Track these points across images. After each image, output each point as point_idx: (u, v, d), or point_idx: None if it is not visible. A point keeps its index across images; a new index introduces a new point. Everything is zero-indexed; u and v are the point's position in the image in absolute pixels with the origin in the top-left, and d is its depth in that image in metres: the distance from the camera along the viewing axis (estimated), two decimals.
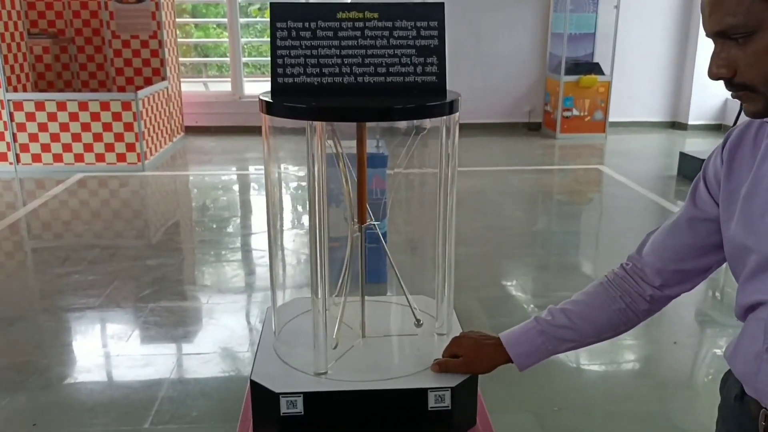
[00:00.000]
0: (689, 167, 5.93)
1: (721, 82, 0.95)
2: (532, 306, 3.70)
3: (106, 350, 3.20)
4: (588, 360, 3.16)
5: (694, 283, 1.18)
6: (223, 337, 3.27)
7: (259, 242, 4.69)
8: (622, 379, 3.05)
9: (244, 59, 8.56)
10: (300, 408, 1.17)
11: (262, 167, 1.35)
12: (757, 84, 0.90)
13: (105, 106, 6.29)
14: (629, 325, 1.22)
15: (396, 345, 1.39)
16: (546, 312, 1.24)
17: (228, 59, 8.58)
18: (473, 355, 1.23)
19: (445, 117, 1.20)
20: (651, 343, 3.35)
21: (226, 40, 8.62)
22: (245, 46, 8.69)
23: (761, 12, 0.86)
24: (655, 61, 8.50)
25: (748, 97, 0.92)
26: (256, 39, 9.14)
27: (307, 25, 1.18)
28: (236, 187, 6.51)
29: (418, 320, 1.36)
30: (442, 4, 1.21)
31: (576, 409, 2.74)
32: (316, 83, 1.18)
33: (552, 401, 2.76)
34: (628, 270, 1.22)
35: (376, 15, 1.19)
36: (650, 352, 3.28)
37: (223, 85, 8.81)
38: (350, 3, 1.20)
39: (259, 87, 7.94)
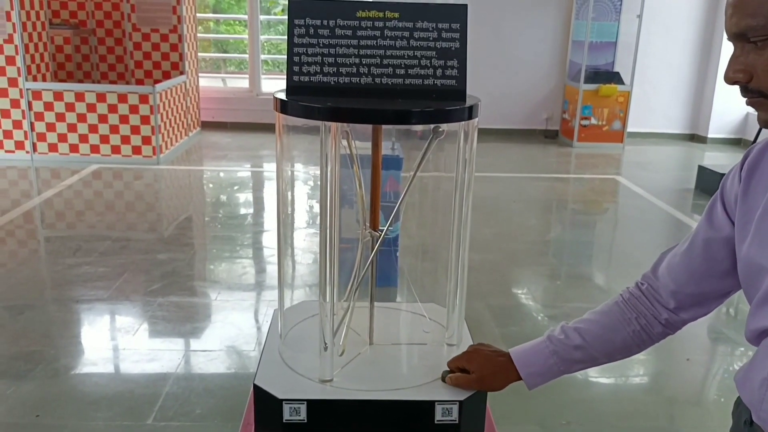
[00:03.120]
0: (707, 181, 5.84)
1: (740, 95, 0.92)
2: (542, 315, 3.65)
3: (113, 343, 3.19)
4: (598, 374, 3.11)
5: (710, 308, 1.14)
6: (231, 334, 3.25)
7: (271, 240, 4.67)
8: (633, 394, 3.00)
9: (263, 56, 8.57)
10: (303, 415, 1.14)
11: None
12: None
13: (123, 98, 6.30)
14: (642, 347, 1.19)
15: (404, 354, 1.35)
16: (559, 330, 1.20)
17: (247, 56, 8.60)
18: (485, 372, 1.20)
19: (463, 122, 1.17)
20: (663, 358, 3.29)
21: (246, 36, 8.63)
22: (264, 43, 8.70)
23: None
24: (676, 73, 8.41)
25: (762, 104, 0.90)
26: (275, 37, 9.15)
27: (325, 23, 1.15)
28: (250, 184, 6.50)
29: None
30: (465, 5, 1.18)
31: (585, 423, 2.69)
32: (332, 83, 1.16)
33: (561, 414, 2.72)
34: (643, 290, 1.18)
35: (397, 15, 1.16)
36: (662, 368, 3.22)
37: (241, 82, 8.82)
38: (371, 2, 1.17)
39: (277, 84, 7.94)
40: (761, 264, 0.96)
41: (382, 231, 1.31)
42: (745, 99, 0.92)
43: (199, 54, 8.18)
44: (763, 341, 0.98)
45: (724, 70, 0.92)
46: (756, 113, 0.93)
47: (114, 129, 6.37)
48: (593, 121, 7.86)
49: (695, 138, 8.54)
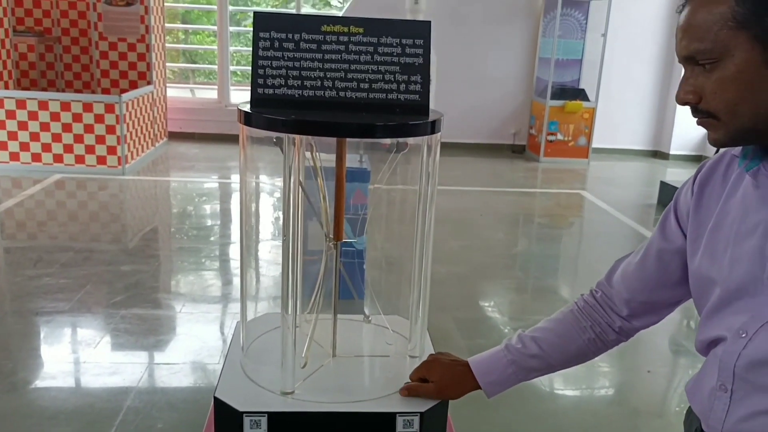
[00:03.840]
0: (669, 196, 5.93)
1: (691, 116, 0.95)
2: (508, 328, 3.68)
3: (74, 356, 3.12)
4: (561, 385, 3.15)
5: (661, 316, 1.18)
6: (195, 347, 3.22)
7: (238, 252, 4.62)
8: (595, 406, 3.04)
9: (232, 68, 8.54)
10: (264, 428, 1.13)
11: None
12: (719, 112, 0.90)
13: (88, 107, 6.22)
14: (597, 353, 1.22)
15: (366, 366, 1.36)
16: (516, 339, 1.22)
17: (216, 67, 8.55)
18: (445, 381, 1.21)
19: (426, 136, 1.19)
20: (625, 370, 3.34)
21: (215, 47, 8.59)
22: (234, 55, 8.67)
23: (727, 40, 0.86)
24: (640, 91, 8.60)
25: (711, 124, 0.92)
26: (245, 48, 9.13)
27: (290, 36, 1.16)
28: (217, 195, 6.45)
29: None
30: (429, 22, 1.20)
31: None
32: (297, 95, 1.16)
33: (524, 426, 2.74)
34: (597, 299, 1.22)
35: (361, 30, 1.17)
36: (624, 379, 3.28)
37: (210, 93, 8.77)
38: (335, 16, 1.18)
39: (246, 96, 7.90)
40: (711, 277, 0.99)
41: (345, 243, 1.32)
42: (696, 120, 0.95)
43: (168, 64, 8.12)
44: (711, 351, 1.02)
45: (676, 91, 0.96)
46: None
47: (78, 138, 6.27)
48: (559, 136, 7.99)
49: (658, 154, 8.73)
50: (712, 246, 0.99)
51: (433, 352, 1.34)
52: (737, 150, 0.98)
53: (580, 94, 8.06)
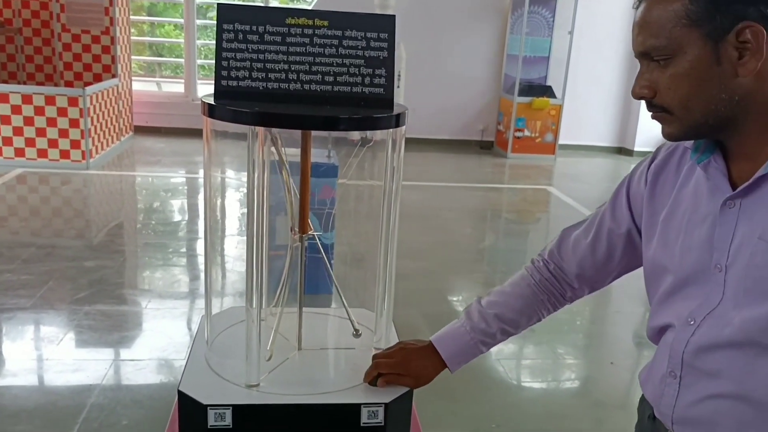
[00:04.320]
0: None
1: (646, 110, 0.98)
2: None
3: (36, 353, 3.07)
4: (527, 378, 3.19)
5: (606, 284, 1.27)
6: (161, 343, 3.18)
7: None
8: (560, 398, 3.09)
9: (199, 61, 8.44)
10: (228, 421, 1.13)
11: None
12: (673, 106, 0.93)
13: (50, 100, 6.09)
14: (545, 318, 1.31)
15: (332, 358, 1.36)
16: (478, 316, 1.26)
17: (182, 60, 8.44)
18: (419, 371, 1.24)
19: (391, 130, 1.19)
20: (589, 363, 3.40)
21: (182, 40, 8.48)
22: (201, 48, 8.56)
23: (682, 37, 0.89)
24: (605, 88, 8.73)
25: (665, 118, 0.95)
26: (212, 41, 9.01)
27: (254, 28, 1.16)
28: (184, 190, 6.38)
29: (356, 330, 1.34)
30: (394, 16, 1.20)
31: (514, 426, 2.75)
32: (261, 88, 1.16)
33: (490, 418, 2.77)
34: (551, 271, 1.28)
35: (326, 23, 1.17)
36: (588, 372, 3.34)
37: (177, 86, 8.65)
38: (300, 9, 1.18)
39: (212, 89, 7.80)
40: (663, 264, 1.03)
41: (312, 236, 1.32)
42: (651, 114, 0.98)
43: (134, 57, 7.99)
44: (662, 338, 1.05)
45: (632, 86, 0.98)
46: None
47: (41, 132, 6.14)
48: (527, 133, 8.07)
49: (623, 151, 8.88)
50: (666, 234, 1.03)
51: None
52: (690, 142, 1.01)
53: (547, 91, 8.15)
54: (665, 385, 1.02)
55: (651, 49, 0.92)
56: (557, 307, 1.29)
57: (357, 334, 1.35)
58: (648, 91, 0.94)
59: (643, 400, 1.17)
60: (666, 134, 0.97)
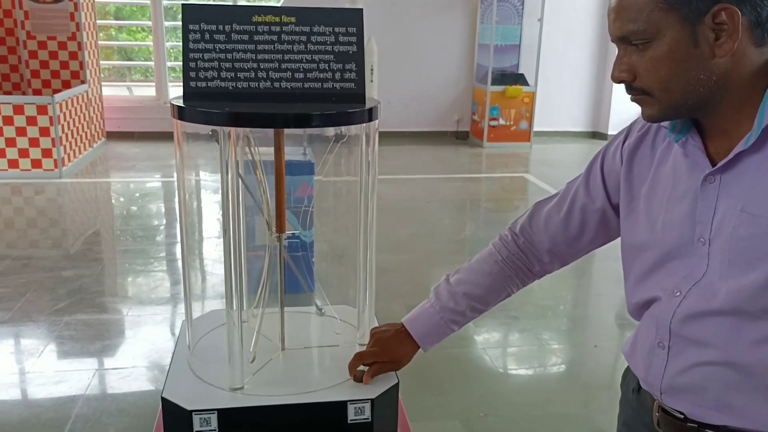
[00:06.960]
0: None
1: (626, 93, 0.99)
2: None
3: (17, 367, 3.02)
4: (513, 365, 3.21)
5: (576, 259, 1.28)
6: (144, 350, 3.15)
7: None
8: (546, 383, 3.11)
9: (169, 63, 8.34)
10: (214, 425, 1.12)
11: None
12: (653, 89, 0.94)
13: (19, 109, 5.98)
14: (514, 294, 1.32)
15: (316, 357, 1.36)
16: (447, 296, 1.28)
17: (152, 63, 8.34)
18: (398, 356, 1.25)
19: (364, 124, 1.19)
20: (573, 346, 3.43)
21: (151, 43, 8.38)
22: (171, 50, 8.47)
23: (659, 21, 0.90)
24: (577, 73, 8.79)
25: (645, 101, 0.96)
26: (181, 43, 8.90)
27: (221, 27, 1.14)
28: (161, 195, 6.31)
29: (320, 309, 1.33)
30: (361, 9, 1.20)
31: (502, 413, 2.77)
32: (230, 88, 1.15)
33: (478, 407, 2.79)
34: (520, 245, 1.28)
35: (293, 19, 1.16)
36: (572, 355, 3.36)
37: (148, 90, 8.55)
38: (267, 6, 1.17)
39: None
40: (643, 241, 1.05)
41: (288, 235, 1.31)
42: (630, 96, 0.99)
43: (102, 62, 7.88)
44: (646, 313, 1.07)
45: (611, 70, 0.99)
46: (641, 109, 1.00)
47: (10, 142, 6.03)
48: (501, 121, 8.10)
49: (597, 135, 8.95)
50: (646, 212, 1.05)
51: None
52: (667, 123, 1.02)
53: (520, 79, 8.19)
54: (653, 356, 1.05)
55: (629, 34, 0.93)
56: (525, 282, 1.30)
57: (320, 312, 1.34)
58: (627, 74, 0.95)
59: (625, 375, 1.20)
60: (646, 116, 0.98)
